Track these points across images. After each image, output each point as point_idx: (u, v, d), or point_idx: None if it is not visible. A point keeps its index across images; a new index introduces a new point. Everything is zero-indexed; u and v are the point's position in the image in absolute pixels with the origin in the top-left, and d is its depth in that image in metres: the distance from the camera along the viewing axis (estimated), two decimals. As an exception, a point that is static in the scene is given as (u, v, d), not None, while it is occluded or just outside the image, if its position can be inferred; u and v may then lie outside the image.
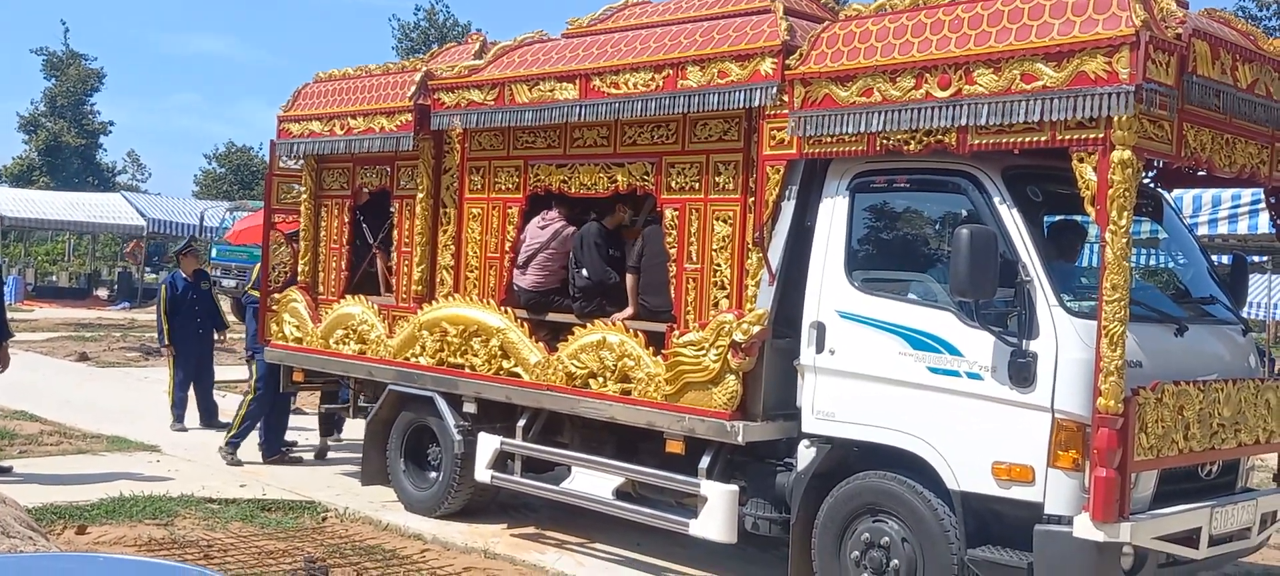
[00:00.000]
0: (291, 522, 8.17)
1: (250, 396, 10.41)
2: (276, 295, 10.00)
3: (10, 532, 5.72)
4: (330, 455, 10.83)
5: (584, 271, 7.86)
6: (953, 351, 5.89)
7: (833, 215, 6.48)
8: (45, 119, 55.61)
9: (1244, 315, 7.08)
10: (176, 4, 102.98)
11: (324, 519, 8.37)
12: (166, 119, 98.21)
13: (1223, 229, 12.52)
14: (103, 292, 36.04)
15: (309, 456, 10.79)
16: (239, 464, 10.21)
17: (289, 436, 10.90)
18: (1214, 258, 10.38)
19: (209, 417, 12.09)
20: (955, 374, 5.87)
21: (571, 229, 8.13)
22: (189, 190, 55.44)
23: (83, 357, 18.32)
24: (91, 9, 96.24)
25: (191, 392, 12.07)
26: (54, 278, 38.73)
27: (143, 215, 34.19)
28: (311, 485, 9.49)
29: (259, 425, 10.55)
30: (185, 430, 11.82)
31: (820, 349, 6.42)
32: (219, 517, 8.10)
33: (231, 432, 10.37)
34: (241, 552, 7.28)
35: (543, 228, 8.18)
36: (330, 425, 10.86)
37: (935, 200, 6.43)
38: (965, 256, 5.51)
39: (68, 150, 54.60)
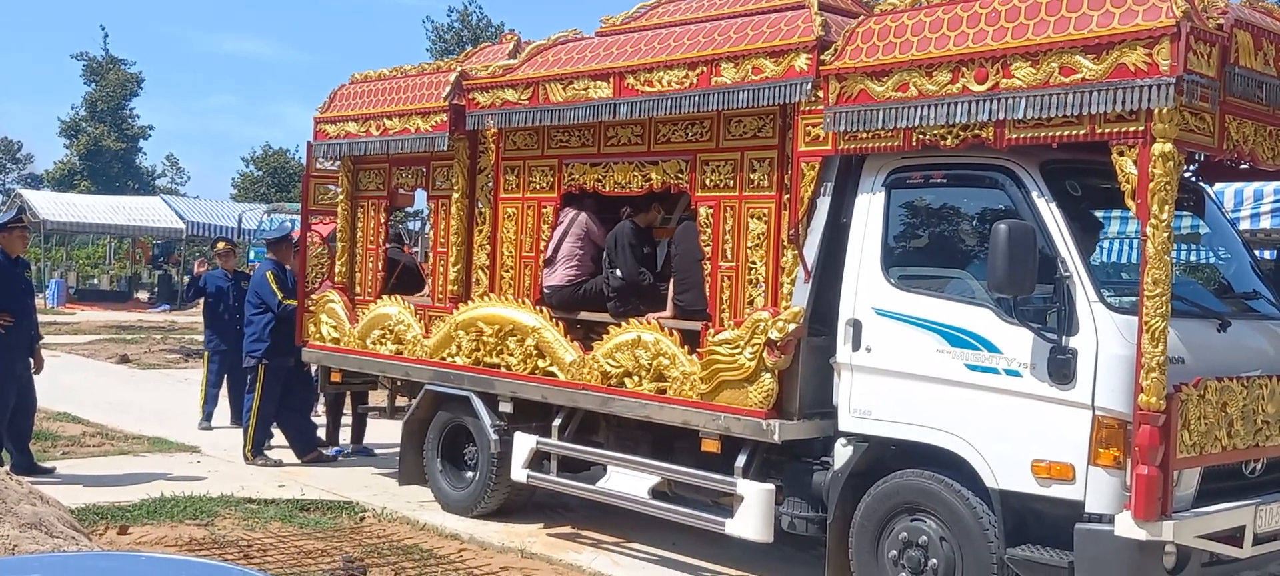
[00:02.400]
0: (330, 522, 8.22)
1: (257, 402, 10.40)
2: (314, 296, 10.06)
3: (53, 532, 5.78)
4: (364, 455, 10.88)
5: (618, 271, 7.85)
6: (991, 348, 5.83)
7: (869, 211, 6.43)
8: (86, 123, 56.34)
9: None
10: (213, 7, 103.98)
11: (362, 519, 8.41)
12: (205, 121, 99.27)
13: (1265, 223, 12.31)
14: (143, 295, 36.46)
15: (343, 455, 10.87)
16: (274, 463, 10.25)
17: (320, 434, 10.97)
18: (1261, 252, 10.23)
19: (239, 418, 12.15)
20: (994, 371, 5.82)
21: (583, 216, 8.14)
22: (227, 193, 56.00)
23: (124, 360, 18.55)
24: (130, 13, 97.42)
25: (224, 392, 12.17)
26: (95, 281, 39.20)
27: (182, 218, 34.57)
28: (349, 485, 9.55)
29: (288, 427, 10.62)
30: (211, 429, 11.92)
31: (857, 346, 6.37)
32: (258, 517, 8.16)
33: (248, 445, 10.37)
34: (281, 552, 7.33)
35: (561, 223, 8.20)
36: (362, 428, 10.90)
37: (973, 195, 6.37)
38: (1003, 252, 5.45)
39: (108, 154, 55.29)
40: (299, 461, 10.43)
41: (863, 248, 6.42)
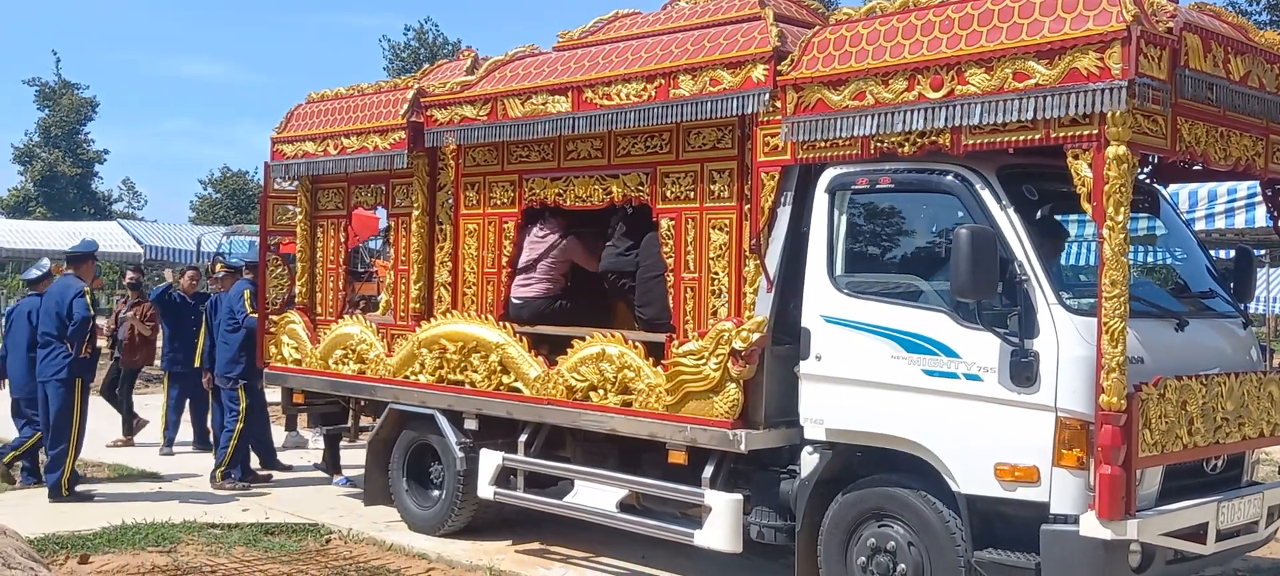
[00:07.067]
0: (295, 546, 8.14)
1: (240, 425, 10.31)
2: (274, 317, 9.98)
3: (11, 564, 5.69)
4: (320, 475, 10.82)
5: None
6: (949, 353, 5.86)
7: (828, 219, 6.45)
8: (40, 149, 55.61)
9: (1247, 308, 7.06)
10: (169, 30, 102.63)
11: (328, 541, 8.35)
12: (162, 144, 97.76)
13: (1220, 224, 12.52)
14: (102, 321, 35.99)
15: (278, 474, 10.85)
16: (242, 487, 10.16)
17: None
18: (1216, 252, 10.34)
19: (202, 442, 12.06)
20: (953, 376, 5.84)
21: (573, 242, 8.16)
22: (185, 216, 55.49)
23: (82, 386, 18.28)
24: (83, 38, 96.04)
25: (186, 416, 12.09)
26: (52, 307, 38.60)
27: (139, 242, 34.16)
28: (315, 507, 9.47)
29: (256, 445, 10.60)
30: (172, 453, 11.83)
31: (818, 356, 6.39)
32: (222, 542, 8.07)
33: (224, 465, 10.29)
34: (245, 577, 7.26)
35: (542, 238, 8.18)
36: (336, 448, 10.81)
37: (931, 202, 6.39)
38: (966, 257, 5.47)
39: (63, 180, 54.60)
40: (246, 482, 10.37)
41: (825, 255, 6.43)
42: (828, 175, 6.43)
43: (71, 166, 55.23)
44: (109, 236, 35.67)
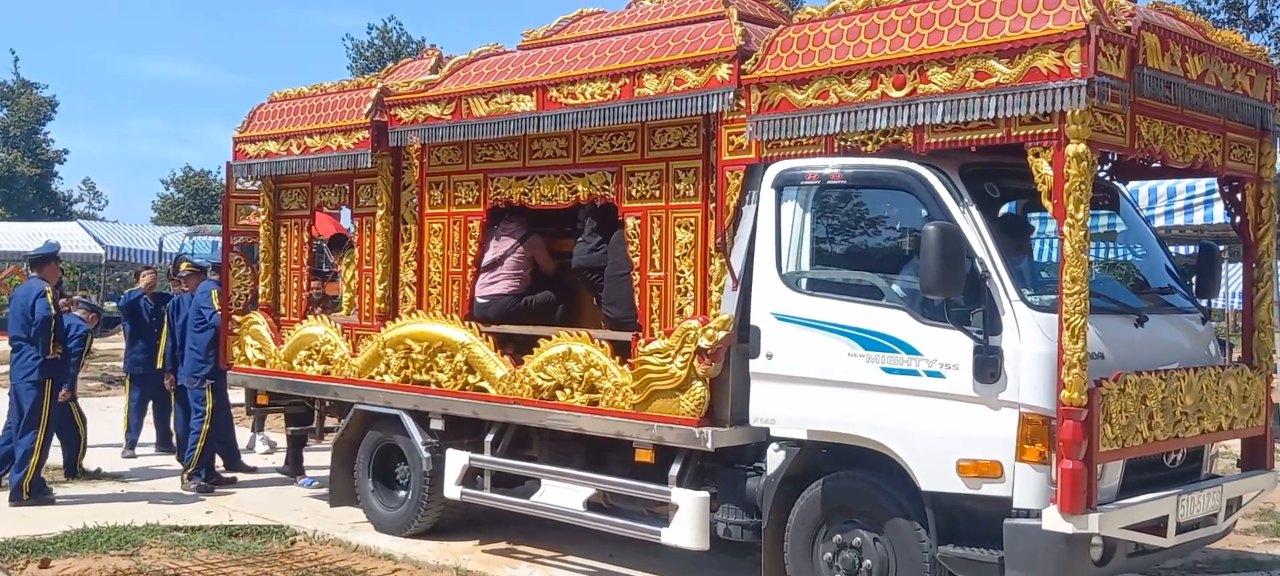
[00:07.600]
0: (259, 548, 8.09)
1: (206, 425, 10.25)
2: (237, 317, 9.91)
3: (-30, 569, 5.63)
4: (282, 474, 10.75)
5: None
6: (910, 350, 5.89)
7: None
8: (-3, 149, 54.97)
9: (1209, 304, 7.13)
10: (132, 28, 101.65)
11: (293, 542, 8.30)
12: (128, 144, 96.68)
13: (1179, 220, 12.65)
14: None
15: (242, 476, 10.77)
16: (210, 490, 10.10)
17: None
18: (1176, 248, 10.43)
19: (164, 444, 11.97)
20: (913, 373, 5.86)
21: (537, 238, 8.19)
22: (148, 216, 54.94)
23: (43, 389, 18.06)
24: (44, 37, 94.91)
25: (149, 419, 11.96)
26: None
27: (100, 243, 33.80)
28: (279, 508, 9.41)
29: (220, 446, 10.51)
30: (135, 455, 11.74)
31: (769, 354, 6.41)
32: (185, 545, 8.01)
33: (192, 466, 10.22)
34: (209, 580, 7.21)
35: (507, 236, 8.19)
36: (300, 450, 10.73)
37: (890, 199, 6.41)
38: (935, 253, 5.49)
39: (22, 180, 53.99)
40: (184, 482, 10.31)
41: (773, 251, 6.45)
42: (773, 170, 6.44)
43: (30, 166, 54.61)
44: (69, 237, 35.17)
